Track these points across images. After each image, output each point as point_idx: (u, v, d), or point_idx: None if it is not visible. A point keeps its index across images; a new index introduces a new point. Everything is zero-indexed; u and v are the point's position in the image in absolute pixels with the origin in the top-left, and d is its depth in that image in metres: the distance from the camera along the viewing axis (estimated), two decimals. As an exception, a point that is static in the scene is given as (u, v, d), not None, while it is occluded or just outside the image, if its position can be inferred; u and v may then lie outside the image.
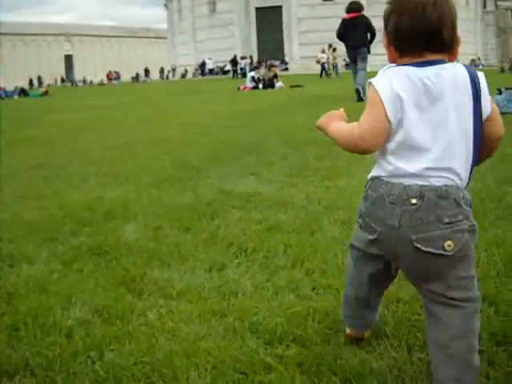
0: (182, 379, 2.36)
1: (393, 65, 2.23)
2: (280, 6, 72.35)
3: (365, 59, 15.20)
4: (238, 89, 27.28)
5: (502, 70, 47.91)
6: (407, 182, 2.10)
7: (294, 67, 62.91)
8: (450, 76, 2.11)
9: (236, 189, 5.50)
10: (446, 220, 2.05)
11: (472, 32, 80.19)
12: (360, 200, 2.34)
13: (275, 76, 27.93)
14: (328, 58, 41.76)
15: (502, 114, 8.09)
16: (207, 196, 5.27)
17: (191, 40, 79.84)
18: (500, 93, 12.37)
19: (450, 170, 2.08)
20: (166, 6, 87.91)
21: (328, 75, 40.56)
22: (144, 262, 3.70)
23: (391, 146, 2.15)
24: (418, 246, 2.07)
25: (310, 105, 15.32)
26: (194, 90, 29.64)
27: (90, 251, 3.94)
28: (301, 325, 2.76)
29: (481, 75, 2.16)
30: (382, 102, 2.11)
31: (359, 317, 2.56)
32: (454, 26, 2.17)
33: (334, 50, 41.29)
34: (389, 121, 2.11)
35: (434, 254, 2.07)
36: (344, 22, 15.21)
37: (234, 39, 73.46)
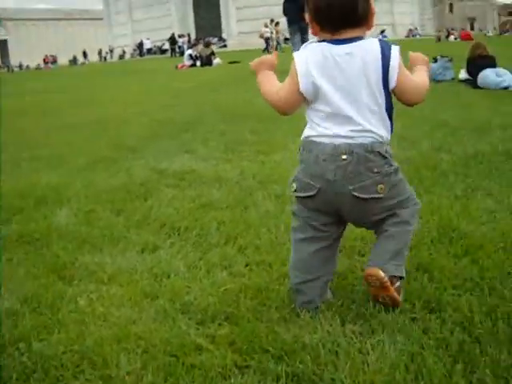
0: (112, 365, 2.27)
1: (316, 39, 2.55)
2: (216, -17, 71.91)
3: (306, 31, 15.84)
4: (176, 67, 27.01)
5: (439, 39, 48.47)
6: (337, 141, 2.45)
7: (233, 43, 62.60)
8: (361, 52, 2.44)
9: (171, 167, 5.41)
10: (375, 170, 2.44)
11: (409, 2, 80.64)
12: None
13: (212, 53, 27.75)
14: (272, 32, 41.39)
15: (438, 81, 8.26)
16: (141, 176, 5.17)
17: (128, 20, 78.88)
18: (435, 61, 12.46)
19: (370, 131, 2.46)
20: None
21: (269, 51, 40.47)
22: (75, 247, 3.59)
23: (316, 112, 2.53)
24: (355, 194, 2.44)
25: (248, 80, 15.18)
26: (131, 70, 29.24)
27: (20, 239, 3.81)
28: (233, 303, 2.70)
29: (394, 50, 2.47)
30: (297, 76, 2.51)
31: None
32: (369, 7, 2.48)
33: (277, 24, 40.91)
34: (302, 93, 2.52)
35: (370, 198, 2.46)
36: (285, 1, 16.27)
37: (171, 17, 72.77)
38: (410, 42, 44.93)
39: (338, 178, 2.43)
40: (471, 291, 2.66)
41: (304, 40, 15.62)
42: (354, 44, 2.45)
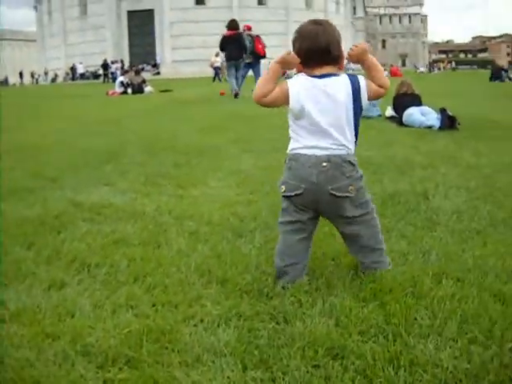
0: (3, 413, 2.18)
1: (301, 73, 3.33)
2: (152, 10, 72.09)
3: (240, 67, 19.00)
4: (107, 94, 26.81)
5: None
6: (318, 152, 3.21)
7: (166, 71, 62.68)
8: (337, 84, 3.25)
9: (88, 200, 5.29)
10: (348, 175, 3.22)
11: (343, 38, 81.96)
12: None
13: (144, 81, 27.64)
14: (222, 62, 41.37)
15: (366, 117, 8.35)
16: (57, 208, 5.03)
17: (62, 43, 78.34)
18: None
19: (344, 145, 3.24)
20: (35, 7, 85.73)
21: (220, 79, 40.41)
22: (-21, 283, 3.47)
23: (301, 128, 3.28)
24: (333, 192, 3.21)
25: (176, 110, 15.24)
26: (60, 94, 28.93)
27: None
28: (135, 345, 2.62)
29: (361, 78, 3.29)
30: (289, 95, 3.26)
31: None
32: (339, 45, 3.35)
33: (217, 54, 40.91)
34: (291, 109, 3.27)
35: (344, 196, 3.24)
36: (224, 37, 18.85)
37: (106, 43, 72.60)
38: (342, 76, 45.63)
39: (319, 181, 3.20)
40: (376, 337, 2.65)
41: (237, 74, 19.11)
42: (331, 78, 3.26)
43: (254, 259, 3.66)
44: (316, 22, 3.39)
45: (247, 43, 19.15)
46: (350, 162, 3.22)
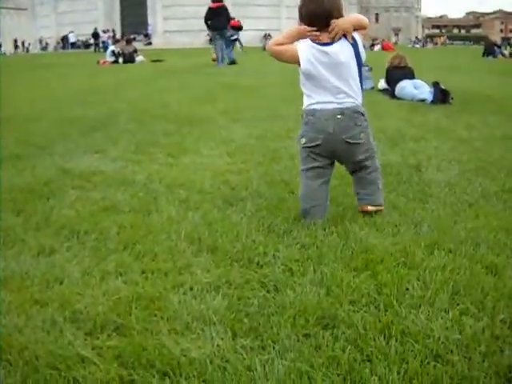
0: (-10, 379, 2.15)
1: (307, 39, 3.75)
2: (144, -21, 71.44)
3: (224, 37, 20.75)
4: (98, 63, 26.58)
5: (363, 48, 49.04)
6: (331, 106, 3.68)
7: (158, 42, 62.24)
8: (341, 48, 3.72)
9: (77, 167, 5.25)
10: (359, 123, 3.72)
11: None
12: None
13: (135, 50, 27.41)
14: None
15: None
16: (46, 176, 4.99)
17: (52, 12, 77.51)
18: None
19: (353, 97, 3.73)
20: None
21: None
22: (-34, 249, 3.43)
23: (313, 86, 3.76)
24: (348, 140, 3.70)
25: (168, 79, 15.13)
26: (52, 63, 28.57)
27: None
28: (124, 313, 2.59)
29: (358, 39, 3.78)
30: (299, 56, 3.72)
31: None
32: (340, 10, 3.76)
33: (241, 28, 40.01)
34: (302, 69, 3.74)
35: (357, 143, 3.73)
36: (210, 9, 20.29)
37: (97, 12, 71.90)
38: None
39: (335, 131, 3.67)
40: (367, 307, 2.63)
41: (221, 44, 20.83)
42: (335, 45, 3.71)
43: (244, 228, 3.63)
44: None
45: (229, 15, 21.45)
46: (360, 112, 3.74)
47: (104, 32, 54.05)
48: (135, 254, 3.26)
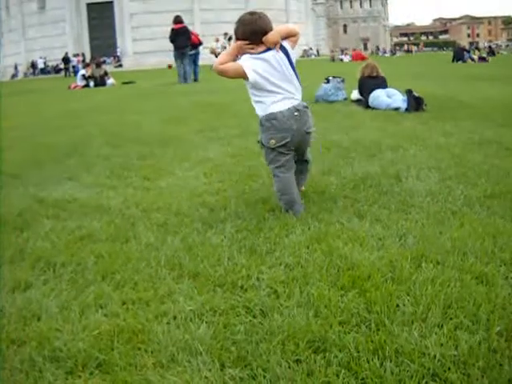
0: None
1: (245, 55, 4.20)
2: (111, 2, 71.49)
3: (186, 55, 22.47)
4: (69, 87, 26.43)
5: (333, 59, 49.36)
6: (287, 106, 4.16)
7: (129, 63, 62.22)
8: (275, 55, 4.16)
9: (52, 196, 5.11)
10: (309, 115, 4.29)
11: (304, 23, 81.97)
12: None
13: (106, 73, 27.28)
14: (224, 47, 39.43)
15: (330, 102, 8.34)
16: (19, 205, 4.85)
17: (21, 38, 77.26)
18: (327, 81, 12.54)
19: (297, 95, 4.25)
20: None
21: None
22: None
23: (264, 93, 4.19)
24: (307, 130, 4.25)
25: (140, 101, 15.05)
26: (21, 90, 28.39)
27: None
28: (106, 348, 2.49)
29: (287, 46, 4.20)
30: (244, 71, 4.11)
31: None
32: (270, 26, 4.18)
33: (230, 38, 39.09)
34: (251, 81, 4.15)
35: (310, 132, 4.29)
36: (173, 30, 22.15)
37: (66, 36, 71.80)
38: (306, 61, 45.62)
39: (298, 127, 4.18)
40: (358, 327, 2.55)
41: (184, 62, 22.52)
42: (270, 52, 4.16)
43: (225, 250, 3.53)
44: (253, 13, 4.27)
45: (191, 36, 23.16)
46: (306, 106, 4.29)
47: (74, 56, 53.84)
48: (115, 283, 3.15)
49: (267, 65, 4.14)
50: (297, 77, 4.27)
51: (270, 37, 4.14)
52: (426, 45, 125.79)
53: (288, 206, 4.25)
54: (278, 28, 4.21)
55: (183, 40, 22.22)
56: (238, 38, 4.24)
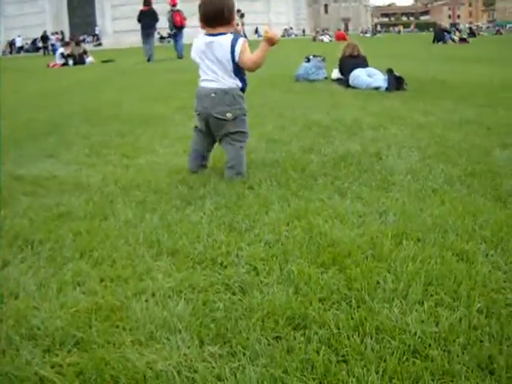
0: None
1: (203, 31, 4.55)
2: (91, -20, 70.80)
3: (153, 36, 24.73)
4: (48, 66, 26.16)
5: (314, 39, 49.21)
6: (209, 86, 4.53)
7: (108, 42, 61.69)
8: (221, 41, 4.45)
9: (30, 173, 5.05)
10: (228, 103, 4.48)
11: (284, 2, 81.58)
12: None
13: (85, 52, 27.04)
14: (238, 24, 38.13)
15: (311, 81, 8.34)
16: (-3, 183, 4.79)
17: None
18: (308, 60, 12.51)
19: (225, 82, 4.51)
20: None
21: None
22: None
23: (200, 70, 4.62)
24: (216, 115, 4.50)
25: (119, 79, 14.94)
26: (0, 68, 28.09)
27: None
28: (84, 325, 2.45)
29: (240, 40, 4.46)
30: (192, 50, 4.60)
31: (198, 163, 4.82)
32: (230, 11, 4.49)
33: (243, 15, 37.38)
34: (191, 57, 4.66)
35: (222, 119, 4.51)
36: (141, 11, 24.12)
37: (45, 15, 71.01)
38: (288, 41, 45.47)
39: (208, 106, 4.51)
40: (338, 304, 2.53)
41: (149, 42, 24.23)
42: (220, 36, 4.45)
43: (205, 227, 3.51)
44: None
45: (164, 18, 25.16)
46: (231, 94, 4.49)
47: (53, 34, 53.31)
48: (93, 261, 3.11)
49: (206, 47, 4.48)
50: (239, 73, 4.53)
51: (270, 34, 4.46)
52: (406, 26, 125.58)
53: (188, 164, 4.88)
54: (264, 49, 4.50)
55: (149, 21, 23.73)
56: (199, 17, 4.50)
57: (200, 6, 4.51)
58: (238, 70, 4.53)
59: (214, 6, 4.42)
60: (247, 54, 4.46)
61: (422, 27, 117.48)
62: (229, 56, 4.43)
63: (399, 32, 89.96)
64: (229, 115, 4.48)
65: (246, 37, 23.54)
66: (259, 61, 4.49)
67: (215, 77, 4.50)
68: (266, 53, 4.51)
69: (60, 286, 2.85)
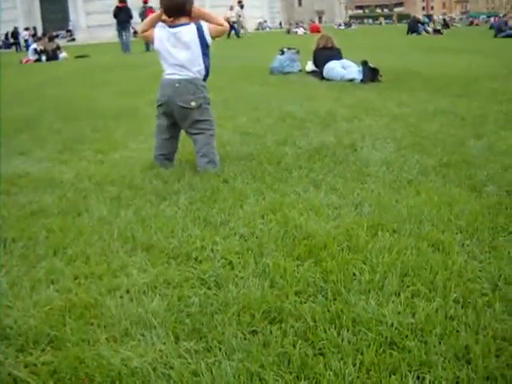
0: None
1: (163, 24, 4.70)
2: (63, -26, 70.21)
3: (127, 29, 26.53)
4: (21, 62, 25.92)
5: (289, 32, 49.16)
6: (174, 76, 4.61)
7: (82, 37, 61.26)
8: (187, 29, 4.60)
9: (2, 171, 4.98)
10: (191, 92, 4.59)
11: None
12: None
13: (58, 47, 26.81)
14: (239, 16, 37.49)
15: (285, 73, 8.30)
16: (-32, 181, 4.72)
17: (-30, 12, 75.59)
18: (282, 53, 12.49)
19: (190, 71, 4.61)
20: None
21: (239, 36, 36.17)
22: None
23: (163, 60, 4.69)
24: (180, 104, 4.58)
25: (93, 75, 14.82)
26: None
27: None
28: (58, 324, 2.42)
29: (203, 23, 4.63)
30: (154, 40, 4.67)
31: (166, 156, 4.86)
32: (191, 3, 4.64)
33: (242, 7, 37.88)
34: (155, 48, 4.71)
35: (187, 107, 4.59)
36: (117, 7, 26.23)
37: (17, 10, 70.34)
38: (262, 34, 45.40)
39: (172, 95, 4.59)
40: (314, 297, 2.52)
41: (125, 35, 26.36)
42: (183, 27, 4.60)
43: (179, 222, 3.49)
44: None
45: (137, 14, 27.03)
46: (194, 84, 4.61)
47: (26, 30, 52.80)
48: (67, 258, 3.08)
49: (173, 39, 4.59)
50: (205, 56, 4.66)
51: (197, 11, 4.67)
52: (387, 17, 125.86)
53: (155, 156, 4.89)
54: (207, 11, 4.83)
55: (124, 16, 25.96)
56: (162, 8, 4.66)
57: (161, 1, 4.67)
58: (206, 53, 4.67)
59: (174, 1, 4.62)
60: (213, 27, 4.64)
61: (398, 19, 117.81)
62: (197, 40, 4.58)
63: (380, 24, 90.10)
64: (193, 104, 4.58)
65: (243, 27, 25.43)
66: (220, 21, 4.73)
67: (179, 68, 4.60)
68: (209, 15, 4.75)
69: (33, 284, 2.82)
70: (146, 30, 4.76)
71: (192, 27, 4.60)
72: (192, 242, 3.15)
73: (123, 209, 3.78)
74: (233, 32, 36.20)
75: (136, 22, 29.40)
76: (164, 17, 4.68)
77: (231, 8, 38.30)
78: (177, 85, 4.59)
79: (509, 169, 4.36)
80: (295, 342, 2.18)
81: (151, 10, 25.80)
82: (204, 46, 4.64)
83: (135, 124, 6.95)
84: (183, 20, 4.63)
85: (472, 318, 2.30)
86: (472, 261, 2.84)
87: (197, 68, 4.64)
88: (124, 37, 26.51)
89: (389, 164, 4.56)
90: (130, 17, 26.71)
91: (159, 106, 4.73)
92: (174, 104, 4.60)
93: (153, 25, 4.75)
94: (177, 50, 4.61)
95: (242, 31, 37.22)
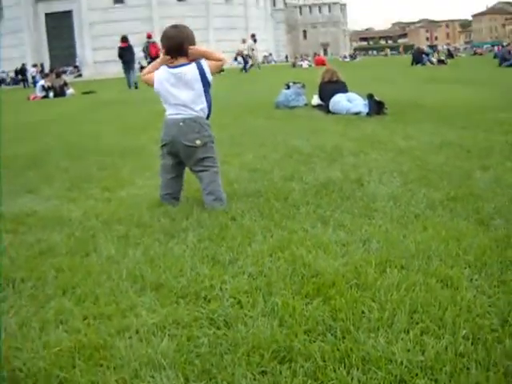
0: None
1: (163, 66, 4.72)
2: (70, 11, 70.95)
3: (132, 69, 27.35)
4: (28, 98, 26.11)
5: (294, 65, 49.46)
6: (177, 116, 4.65)
7: (89, 73, 61.80)
8: (187, 69, 4.63)
9: (10, 209, 5.00)
10: (196, 131, 4.63)
11: (263, 29, 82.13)
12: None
13: (65, 83, 27.02)
14: (252, 50, 37.31)
15: (291, 107, 8.36)
16: (-24, 221, 4.74)
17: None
18: (288, 87, 12.57)
19: (194, 110, 4.65)
20: None
21: (247, 70, 35.83)
22: None
23: (165, 102, 4.75)
24: (185, 143, 4.62)
25: (100, 111, 14.92)
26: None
27: None
28: (67, 365, 2.42)
29: (203, 61, 4.64)
30: (154, 82, 4.74)
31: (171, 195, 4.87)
32: (191, 43, 4.67)
33: (255, 40, 37.88)
34: (155, 90, 4.76)
35: (192, 146, 4.63)
36: (120, 47, 27.14)
37: (25, 47, 71.04)
38: (267, 67, 45.65)
39: (177, 135, 4.63)
40: (323, 336, 2.51)
41: (131, 72, 27.10)
42: (184, 67, 4.65)
43: (188, 260, 3.49)
44: (174, 27, 4.78)
45: (141, 50, 28.69)
46: (199, 122, 4.65)
47: (33, 66, 53.25)
48: (75, 298, 3.08)
49: (173, 78, 4.65)
50: (206, 93, 4.71)
51: (194, 51, 4.66)
52: (394, 48, 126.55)
53: (160, 198, 4.91)
54: (204, 49, 4.82)
55: (127, 55, 27.00)
56: (163, 49, 4.74)
57: (162, 40, 4.75)
58: (207, 91, 4.72)
59: (174, 40, 4.66)
60: (213, 64, 4.68)
61: (404, 50, 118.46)
62: (199, 78, 4.62)
63: (386, 55, 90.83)
64: (198, 142, 4.62)
65: (257, 60, 25.37)
66: (218, 56, 4.74)
67: (182, 108, 4.65)
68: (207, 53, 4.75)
69: (42, 324, 2.82)
70: (149, 73, 4.81)
71: (193, 67, 4.63)
72: (201, 281, 3.15)
73: (131, 248, 3.78)
74: (241, 66, 36.53)
75: (138, 57, 30.12)
76: (165, 58, 4.73)
77: (244, 41, 38.57)
78: (181, 124, 4.62)
79: (516, 202, 4.36)
80: (305, 382, 2.18)
81: (154, 44, 27.48)
82: (206, 84, 4.68)
83: (141, 161, 6.97)
84: (182, 60, 4.66)
85: (482, 354, 2.29)
86: (481, 296, 2.83)
87: (200, 106, 4.68)
88: (129, 74, 27.32)
89: (396, 199, 4.56)
90: (133, 55, 27.79)
91: (163, 145, 4.76)
92: (179, 143, 4.64)
93: (156, 68, 4.78)
94: (178, 90, 4.66)
95: (249, 64, 37.09)
